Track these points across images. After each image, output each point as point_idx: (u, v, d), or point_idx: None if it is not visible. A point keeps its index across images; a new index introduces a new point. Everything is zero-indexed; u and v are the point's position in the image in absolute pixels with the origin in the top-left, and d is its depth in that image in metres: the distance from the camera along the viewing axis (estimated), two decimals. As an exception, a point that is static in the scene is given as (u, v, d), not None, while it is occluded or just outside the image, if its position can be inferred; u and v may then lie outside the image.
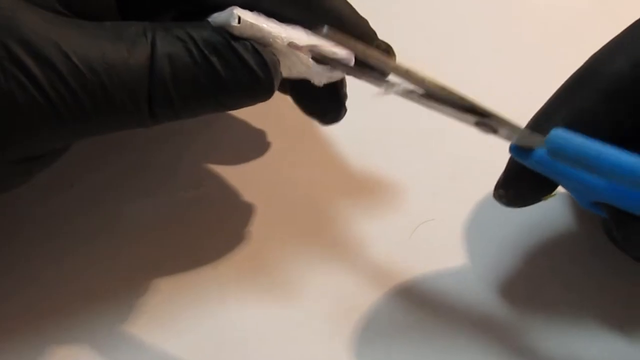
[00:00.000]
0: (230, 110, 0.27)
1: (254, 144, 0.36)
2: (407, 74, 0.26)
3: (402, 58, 0.32)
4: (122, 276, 0.31)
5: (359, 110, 0.32)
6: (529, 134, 0.26)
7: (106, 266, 0.32)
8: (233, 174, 0.35)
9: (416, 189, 0.35)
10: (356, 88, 0.30)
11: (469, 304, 0.31)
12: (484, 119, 0.26)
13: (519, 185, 0.29)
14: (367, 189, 0.35)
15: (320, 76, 0.29)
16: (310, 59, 0.28)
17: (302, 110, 0.32)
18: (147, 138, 0.36)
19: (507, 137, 0.27)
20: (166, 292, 0.31)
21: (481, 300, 0.31)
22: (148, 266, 0.32)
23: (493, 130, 0.26)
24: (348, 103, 0.32)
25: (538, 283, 0.32)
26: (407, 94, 0.26)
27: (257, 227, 0.33)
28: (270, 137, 0.36)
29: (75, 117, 0.24)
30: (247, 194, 0.34)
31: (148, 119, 0.25)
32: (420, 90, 0.26)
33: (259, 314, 0.31)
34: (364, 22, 0.30)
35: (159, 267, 0.32)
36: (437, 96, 0.26)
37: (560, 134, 0.25)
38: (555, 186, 0.29)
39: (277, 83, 0.27)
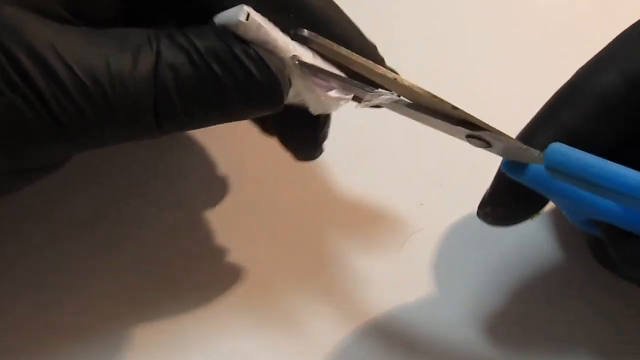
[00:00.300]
0: (238, 120, 0.26)
1: (239, 164, 0.36)
2: (394, 82, 0.24)
3: (402, 58, 0.31)
4: (112, 304, 0.31)
5: (344, 121, 0.31)
6: (524, 149, 0.24)
7: (93, 295, 0.31)
8: (220, 193, 0.35)
9: (404, 198, 0.34)
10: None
11: (463, 315, 0.31)
12: (477, 132, 0.24)
13: (509, 202, 0.27)
14: (355, 202, 0.34)
15: (320, 104, 0.27)
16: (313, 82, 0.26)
17: (280, 140, 0.31)
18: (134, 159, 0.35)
19: (501, 152, 0.25)
20: (156, 320, 0.31)
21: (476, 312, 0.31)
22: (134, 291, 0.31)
23: (486, 144, 0.25)
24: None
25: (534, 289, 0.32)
26: (394, 105, 0.25)
27: (245, 248, 0.33)
28: (257, 156, 0.36)
29: (77, 128, 0.23)
30: (235, 214, 0.34)
31: (155, 129, 0.24)
32: (408, 100, 0.25)
33: (253, 338, 0.30)
34: (372, 48, 0.28)
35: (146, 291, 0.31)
36: (426, 106, 0.24)
37: (559, 149, 0.23)
38: (545, 203, 0.28)
39: (286, 92, 0.25)
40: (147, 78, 0.23)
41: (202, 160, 0.36)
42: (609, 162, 0.23)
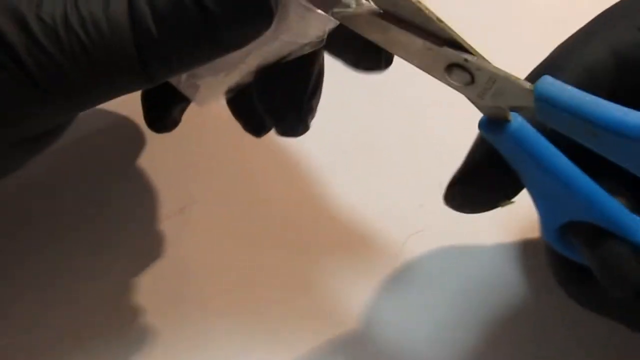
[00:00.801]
0: (230, 50, 0.23)
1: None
2: None
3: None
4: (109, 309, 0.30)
5: (343, 120, 0.31)
6: (512, 80, 0.21)
7: (93, 294, 0.30)
8: (216, 193, 0.34)
9: (404, 199, 0.33)
10: (337, 98, 0.29)
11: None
12: (461, 55, 0.21)
13: (479, 180, 0.25)
14: (354, 203, 0.33)
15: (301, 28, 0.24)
16: None
17: (264, 112, 0.28)
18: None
19: (482, 91, 0.22)
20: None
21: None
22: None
23: (469, 77, 0.22)
24: (326, 112, 0.29)
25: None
26: (367, 19, 0.21)
27: (246, 248, 0.32)
28: (257, 156, 0.35)
29: (60, 86, 0.22)
30: (236, 214, 0.33)
31: (142, 76, 0.22)
32: (379, 10, 0.21)
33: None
34: None
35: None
36: (404, 20, 0.21)
37: (552, 80, 0.21)
38: (518, 190, 0.25)
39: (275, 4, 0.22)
40: (121, 14, 0.21)
41: (201, 161, 0.35)
42: (607, 101, 0.21)
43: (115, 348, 0.29)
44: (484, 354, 0.29)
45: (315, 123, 0.29)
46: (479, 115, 0.23)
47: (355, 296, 0.30)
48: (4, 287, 0.30)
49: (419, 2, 0.21)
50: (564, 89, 0.21)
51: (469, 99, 0.22)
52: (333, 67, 0.29)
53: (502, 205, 0.25)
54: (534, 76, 0.24)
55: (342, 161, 0.35)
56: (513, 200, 0.25)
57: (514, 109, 0.22)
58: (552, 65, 0.24)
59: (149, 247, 0.32)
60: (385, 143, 0.36)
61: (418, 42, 0.22)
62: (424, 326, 0.29)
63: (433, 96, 0.30)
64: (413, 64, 0.22)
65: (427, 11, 0.21)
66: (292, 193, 0.34)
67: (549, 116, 0.21)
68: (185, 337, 0.29)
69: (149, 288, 0.30)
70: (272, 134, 0.30)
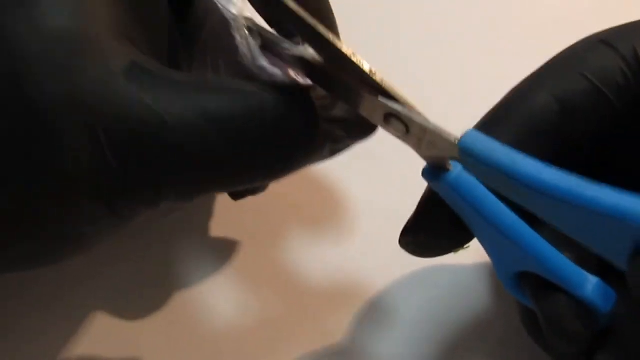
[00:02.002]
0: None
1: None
2: (315, 30, 0.21)
3: (402, 58, 0.30)
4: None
5: None
6: (440, 133, 0.21)
7: (93, 294, 0.30)
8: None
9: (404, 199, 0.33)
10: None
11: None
12: (394, 107, 0.21)
13: (432, 229, 0.25)
14: (354, 203, 0.33)
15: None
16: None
17: None
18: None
19: (417, 141, 0.22)
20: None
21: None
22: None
23: (404, 128, 0.22)
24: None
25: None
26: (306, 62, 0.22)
27: (246, 247, 0.32)
28: None
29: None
30: (236, 214, 0.33)
31: None
32: (319, 60, 0.22)
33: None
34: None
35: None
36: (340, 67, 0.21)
37: (477, 134, 0.21)
38: (471, 237, 0.25)
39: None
40: None
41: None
42: (525, 156, 0.20)
43: (113, 350, 0.29)
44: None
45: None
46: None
47: (358, 293, 0.30)
48: (4, 286, 0.30)
49: (353, 55, 0.22)
50: (487, 144, 0.21)
51: (410, 147, 0.22)
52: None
53: (455, 252, 0.25)
54: (480, 124, 0.25)
55: (342, 160, 0.34)
56: (468, 245, 0.25)
57: (452, 158, 0.22)
58: (500, 112, 0.24)
59: (143, 247, 0.32)
60: (385, 142, 0.35)
61: (358, 91, 0.22)
62: (425, 323, 0.30)
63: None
64: (358, 110, 0.22)
65: (360, 64, 0.21)
66: (292, 192, 0.34)
67: (473, 169, 0.21)
68: (185, 338, 0.29)
69: (149, 288, 0.30)
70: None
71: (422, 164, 0.23)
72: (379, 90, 0.22)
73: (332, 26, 0.26)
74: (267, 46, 0.23)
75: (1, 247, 0.21)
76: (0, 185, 0.20)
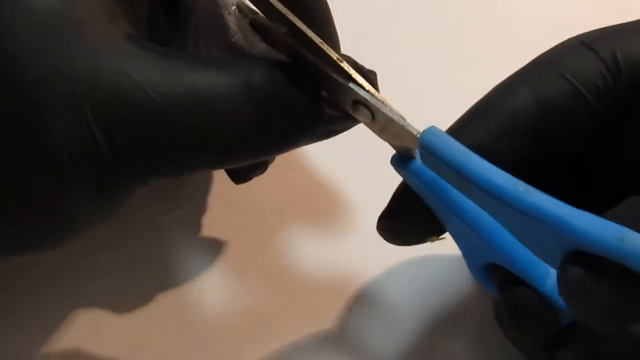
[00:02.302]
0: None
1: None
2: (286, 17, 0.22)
3: (401, 56, 0.30)
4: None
5: None
6: (403, 125, 0.22)
7: (92, 294, 0.30)
8: (220, 190, 0.34)
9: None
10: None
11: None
12: (362, 98, 0.22)
13: (405, 215, 0.25)
14: (354, 202, 0.33)
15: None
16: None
17: None
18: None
19: (381, 128, 0.22)
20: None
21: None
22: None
23: (370, 115, 0.22)
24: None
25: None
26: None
27: (246, 246, 0.32)
28: None
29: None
30: (236, 211, 0.33)
31: None
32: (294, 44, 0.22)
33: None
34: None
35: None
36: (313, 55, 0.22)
37: (437, 131, 0.21)
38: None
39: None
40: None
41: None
42: (480, 157, 0.21)
43: (114, 350, 0.29)
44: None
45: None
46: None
47: (359, 293, 0.30)
48: (5, 289, 0.30)
49: (322, 43, 0.22)
50: (446, 142, 0.21)
51: (375, 133, 0.23)
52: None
53: (431, 241, 0.26)
54: (459, 121, 0.25)
55: (342, 160, 0.35)
56: (443, 236, 0.26)
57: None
58: (479, 111, 0.24)
59: (145, 245, 0.31)
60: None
61: (328, 75, 0.22)
62: (391, 338, 0.29)
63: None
64: (327, 94, 0.23)
65: (328, 51, 0.22)
66: (291, 192, 0.34)
67: (430, 164, 0.22)
68: (186, 335, 0.29)
69: (149, 286, 0.30)
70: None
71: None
72: (348, 77, 0.22)
73: (332, 38, 0.26)
74: (255, 26, 0.24)
75: None
76: None
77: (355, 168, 0.34)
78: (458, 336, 0.29)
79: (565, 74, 0.23)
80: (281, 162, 0.32)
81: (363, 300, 0.30)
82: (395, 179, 0.25)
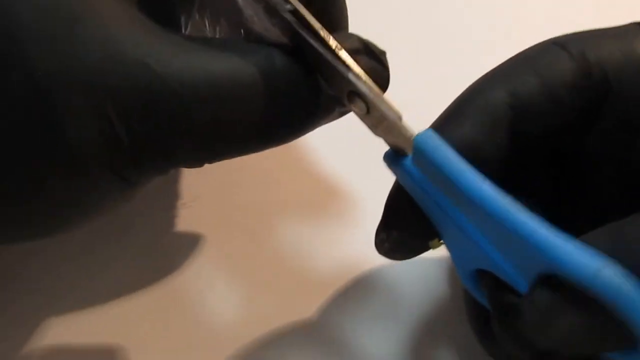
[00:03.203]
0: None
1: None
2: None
3: (401, 54, 0.29)
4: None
5: (346, 124, 0.28)
6: (399, 123, 0.22)
7: (92, 294, 0.30)
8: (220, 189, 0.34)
9: None
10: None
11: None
12: (359, 90, 0.21)
13: (404, 221, 0.24)
14: (354, 203, 0.33)
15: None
16: None
17: None
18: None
19: (375, 122, 0.22)
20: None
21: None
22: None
23: (365, 107, 0.22)
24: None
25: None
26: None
27: (247, 244, 0.32)
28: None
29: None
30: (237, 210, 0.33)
31: None
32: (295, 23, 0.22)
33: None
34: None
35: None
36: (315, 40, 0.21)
37: (432, 135, 0.21)
38: None
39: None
40: None
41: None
42: (469, 167, 0.21)
43: (117, 346, 0.29)
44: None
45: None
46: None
47: (359, 292, 0.30)
48: (4, 286, 0.30)
49: (322, 29, 0.22)
50: (439, 148, 0.21)
51: (367, 126, 0.23)
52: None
53: (433, 247, 0.25)
54: (437, 121, 0.24)
55: (342, 160, 0.35)
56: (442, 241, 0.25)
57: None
58: (456, 109, 0.24)
59: (151, 242, 0.32)
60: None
61: (327, 62, 0.22)
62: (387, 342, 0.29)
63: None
64: (324, 81, 0.23)
65: (326, 38, 0.22)
66: (291, 192, 0.34)
67: (422, 167, 0.22)
68: (187, 334, 0.29)
69: (151, 283, 0.30)
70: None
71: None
72: (347, 67, 0.22)
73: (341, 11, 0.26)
74: (266, 9, 0.24)
75: (8, 219, 0.21)
76: (8, 164, 0.20)
77: (356, 166, 0.34)
78: (449, 339, 0.29)
79: (538, 70, 0.24)
80: (283, 161, 0.34)
81: (361, 299, 0.30)
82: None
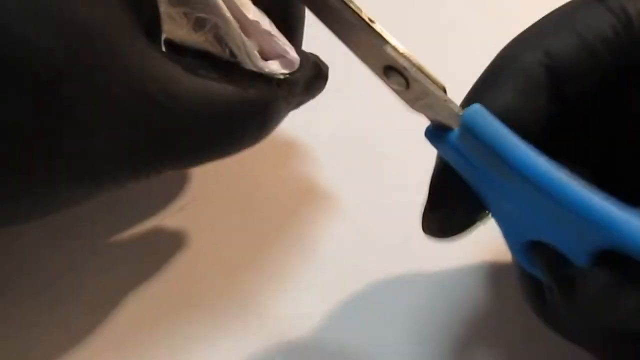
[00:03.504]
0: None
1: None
2: None
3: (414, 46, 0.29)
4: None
5: (344, 121, 0.31)
6: (443, 100, 0.21)
7: (92, 293, 0.30)
8: (219, 189, 0.34)
9: (403, 197, 0.31)
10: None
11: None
12: (399, 66, 0.20)
13: (452, 199, 0.24)
14: (355, 202, 0.33)
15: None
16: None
17: None
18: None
19: (416, 98, 0.21)
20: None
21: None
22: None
23: (405, 82, 0.21)
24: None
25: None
26: None
27: (246, 244, 0.32)
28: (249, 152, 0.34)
29: None
30: (237, 210, 0.33)
31: None
32: None
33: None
34: None
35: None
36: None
37: (482, 110, 0.20)
38: None
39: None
40: None
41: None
42: (522, 142, 0.20)
43: (119, 346, 0.29)
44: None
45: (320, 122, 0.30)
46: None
47: (359, 290, 0.30)
48: (5, 285, 0.30)
49: (350, 1, 0.21)
50: (491, 124, 0.20)
51: (404, 101, 0.22)
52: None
53: (482, 221, 0.24)
54: (471, 92, 0.23)
55: (342, 160, 0.35)
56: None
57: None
58: (490, 77, 0.23)
59: (149, 245, 0.32)
60: (384, 142, 0.35)
61: (362, 35, 0.21)
62: (387, 341, 0.29)
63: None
64: (356, 54, 0.21)
65: (358, 11, 0.21)
66: (291, 192, 0.34)
67: (471, 143, 0.21)
68: (190, 334, 0.29)
69: (151, 285, 0.30)
70: (276, 133, 0.30)
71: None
72: (382, 39, 0.21)
73: None
74: None
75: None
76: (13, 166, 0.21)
77: (356, 166, 0.34)
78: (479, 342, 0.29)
79: (576, 28, 0.23)
80: (284, 160, 0.34)
81: (361, 299, 0.30)
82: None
